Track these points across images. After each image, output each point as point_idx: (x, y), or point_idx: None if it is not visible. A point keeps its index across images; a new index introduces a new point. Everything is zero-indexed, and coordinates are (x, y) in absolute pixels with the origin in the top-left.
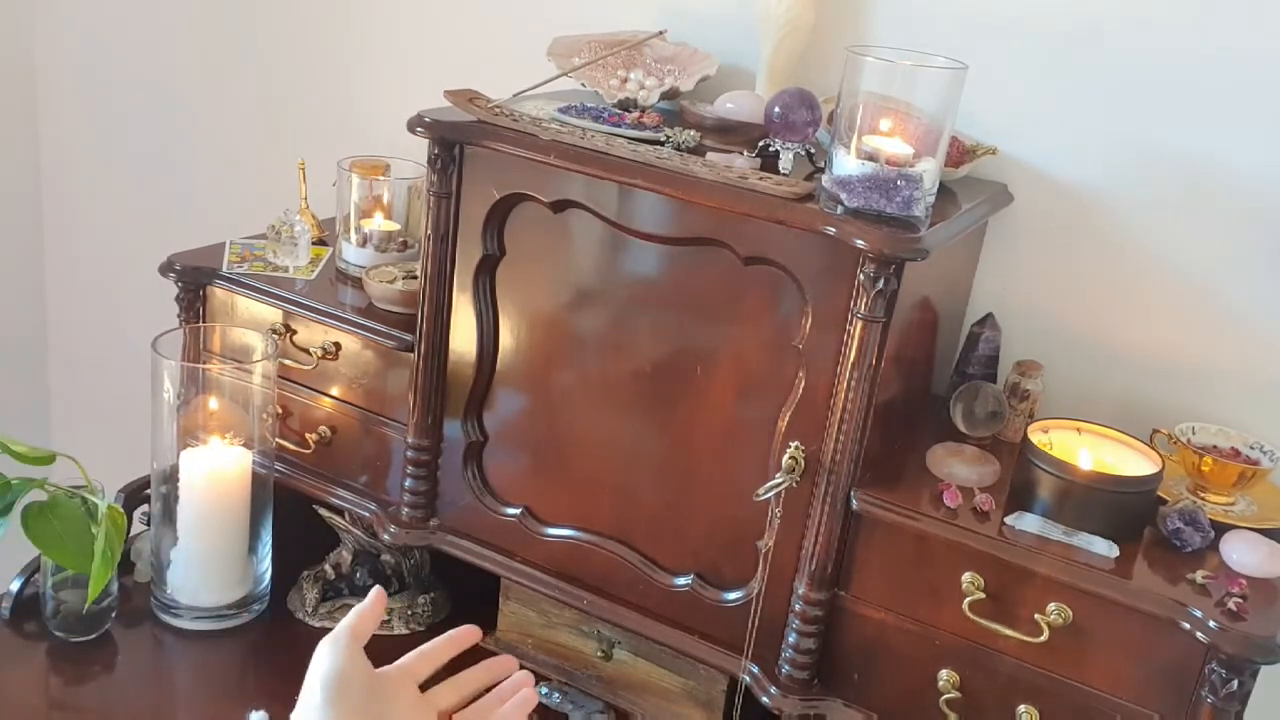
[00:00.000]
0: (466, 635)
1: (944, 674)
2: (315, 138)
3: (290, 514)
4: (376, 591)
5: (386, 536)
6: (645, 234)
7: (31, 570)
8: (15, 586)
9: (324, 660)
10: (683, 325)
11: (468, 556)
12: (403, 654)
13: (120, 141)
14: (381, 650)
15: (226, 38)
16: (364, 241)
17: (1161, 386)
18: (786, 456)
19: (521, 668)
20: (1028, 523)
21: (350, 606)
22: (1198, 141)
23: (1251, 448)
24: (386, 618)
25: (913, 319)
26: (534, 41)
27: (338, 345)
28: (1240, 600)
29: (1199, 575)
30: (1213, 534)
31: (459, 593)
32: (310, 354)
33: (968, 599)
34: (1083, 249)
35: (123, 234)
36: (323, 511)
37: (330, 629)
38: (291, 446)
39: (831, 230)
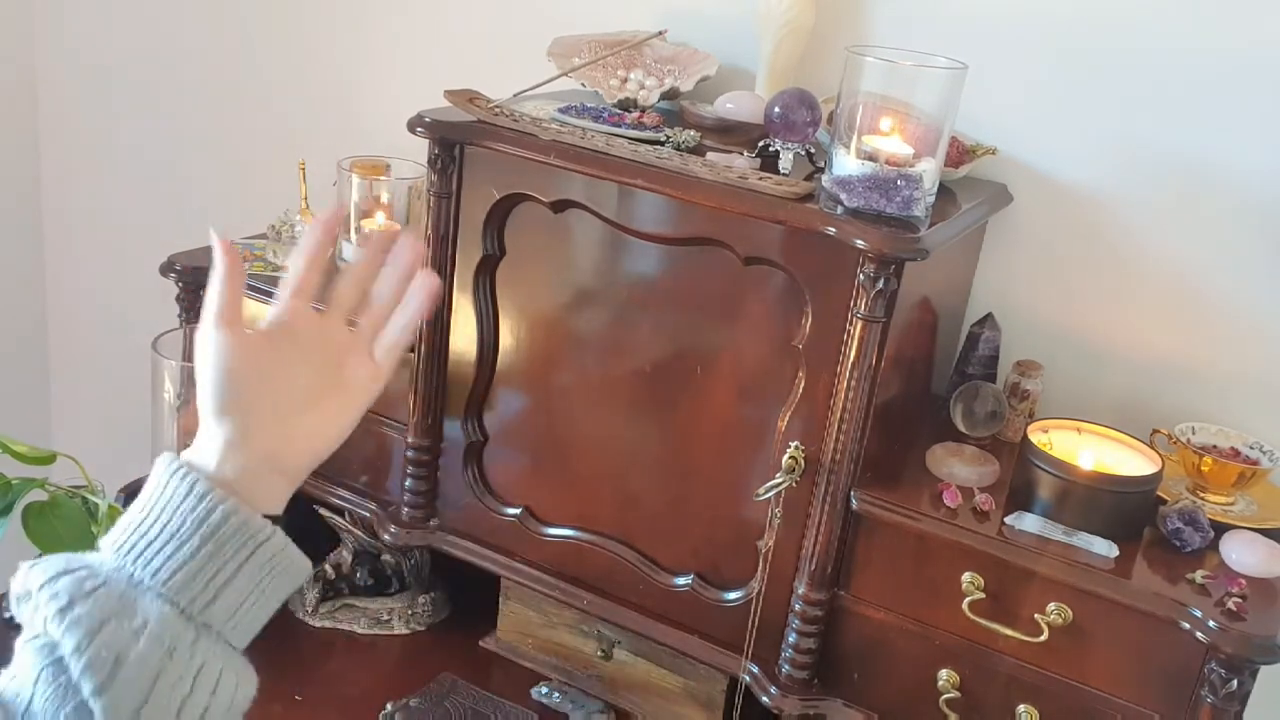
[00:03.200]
0: (330, 221)
1: (944, 674)
2: (315, 138)
3: (290, 514)
4: (222, 249)
5: (386, 536)
6: (645, 234)
7: None
8: None
9: (208, 354)
10: (683, 325)
11: (468, 556)
12: (403, 654)
13: (120, 142)
14: (381, 650)
15: (227, 38)
16: (364, 242)
17: (1161, 387)
18: (786, 456)
19: (522, 666)
20: (1028, 523)
21: (351, 606)
22: (1197, 142)
23: (1251, 448)
24: (387, 617)
25: (913, 319)
26: (534, 41)
27: None
28: (1240, 600)
29: (1199, 575)
30: (1212, 534)
31: (459, 593)
32: None
33: (968, 599)
34: (1083, 249)
35: (123, 234)
36: (323, 511)
37: (330, 629)
38: None
39: (831, 230)
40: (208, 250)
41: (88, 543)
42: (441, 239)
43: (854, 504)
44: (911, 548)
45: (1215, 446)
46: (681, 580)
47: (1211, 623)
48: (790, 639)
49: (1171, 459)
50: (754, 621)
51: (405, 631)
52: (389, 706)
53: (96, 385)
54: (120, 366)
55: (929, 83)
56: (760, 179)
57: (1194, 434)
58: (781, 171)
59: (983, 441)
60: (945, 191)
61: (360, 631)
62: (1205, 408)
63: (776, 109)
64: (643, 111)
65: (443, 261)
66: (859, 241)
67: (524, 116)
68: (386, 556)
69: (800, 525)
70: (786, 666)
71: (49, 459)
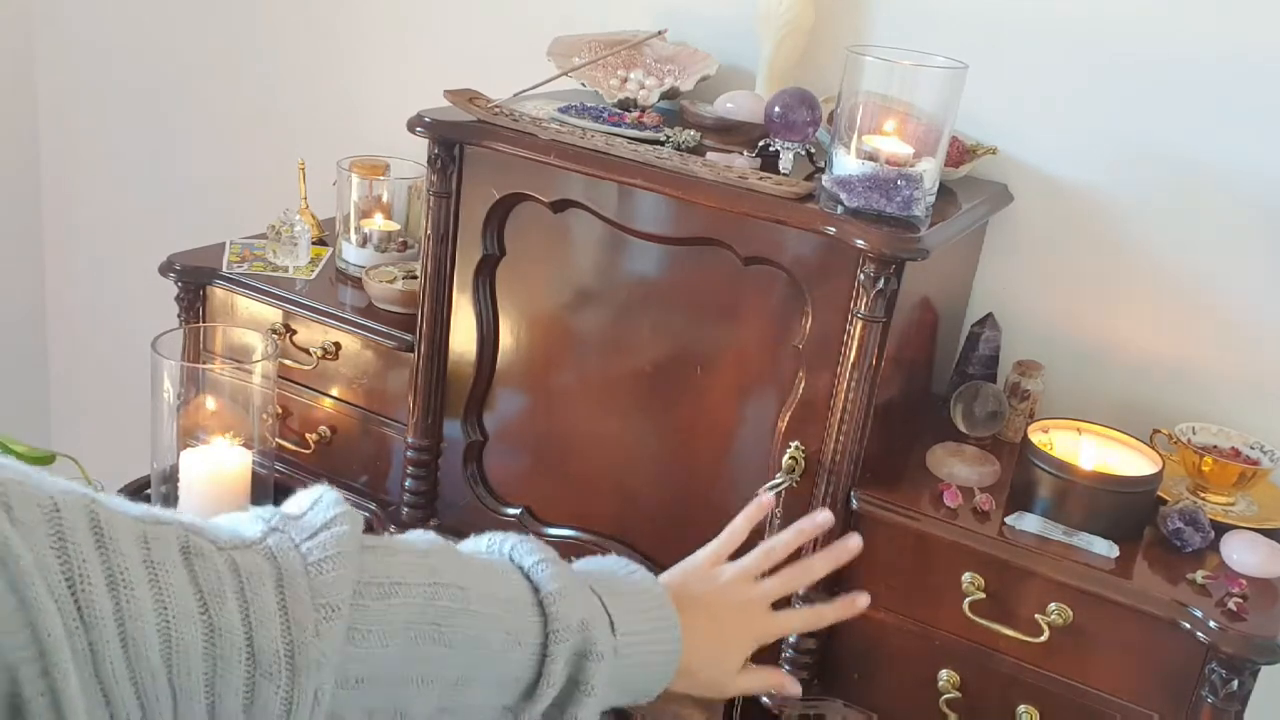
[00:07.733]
0: (814, 526)
1: (944, 674)
2: (315, 138)
3: None
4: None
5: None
6: (645, 234)
7: None
8: None
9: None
10: (683, 325)
11: None
12: None
13: (120, 141)
14: None
15: (226, 38)
16: (364, 241)
17: (1161, 387)
18: (786, 456)
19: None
20: (1028, 523)
21: None
22: (1198, 142)
23: (1251, 448)
24: None
25: (913, 319)
26: (534, 41)
27: (338, 345)
28: (1240, 600)
29: (1199, 575)
30: (1213, 534)
31: None
32: (310, 354)
33: (968, 599)
34: (1083, 249)
35: (123, 234)
36: None
37: None
38: (291, 446)
39: (831, 230)
40: (208, 250)
41: None
42: (441, 239)
43: (854, 504)
44: (912, 548)
45: (1216, 446)
46: None
47: (1212, 623)
48: (790, 639)
49: (1172, 459)
50: None
51: None
52: None
53: (96, 385)
54: (120, 366)
55: (929, 83)
56: (760, 179)
57: (1194, 434)
58: (781, 171)
59: (983, 441)
60: (945, 191)
61: None
62: (1205, 408)
63: (776, 109)
64: (643, 111)
65: (443, 261)
66: (859, 241)
67: (524, 116)
68: None
69: None
70: (786, 667)
71: (49, 459)
